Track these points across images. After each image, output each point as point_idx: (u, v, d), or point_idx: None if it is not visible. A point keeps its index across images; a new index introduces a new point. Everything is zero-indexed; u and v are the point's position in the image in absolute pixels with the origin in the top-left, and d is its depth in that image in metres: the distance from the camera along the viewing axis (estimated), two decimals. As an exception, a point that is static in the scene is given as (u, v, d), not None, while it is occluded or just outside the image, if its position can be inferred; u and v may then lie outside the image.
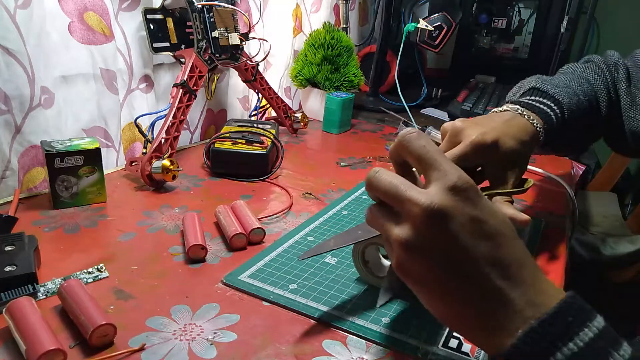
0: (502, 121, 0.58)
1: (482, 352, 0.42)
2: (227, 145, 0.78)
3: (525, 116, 0.59)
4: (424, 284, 0.33)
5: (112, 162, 0.80)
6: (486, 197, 0.41)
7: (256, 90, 0.97)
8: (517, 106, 0.61)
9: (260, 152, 0.78)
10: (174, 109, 0.75)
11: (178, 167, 0.72)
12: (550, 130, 0.60)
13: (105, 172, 0.69)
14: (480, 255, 0.31)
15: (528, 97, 0.64)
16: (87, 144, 0.64)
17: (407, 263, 0.33)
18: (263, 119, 1.04)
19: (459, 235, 0.31)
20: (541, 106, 0.62)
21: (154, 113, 0.79)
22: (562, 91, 0.64)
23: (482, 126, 0.55)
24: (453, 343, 0.43)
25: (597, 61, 0.72)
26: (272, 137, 0.82)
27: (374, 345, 0.43)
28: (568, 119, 0.62)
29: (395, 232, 0.33)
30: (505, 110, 0.61)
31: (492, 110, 0.64)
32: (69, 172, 0.63)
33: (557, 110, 0.62)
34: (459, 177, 0.32)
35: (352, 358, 0.41)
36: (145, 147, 0.77)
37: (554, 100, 0.63)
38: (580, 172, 1.01)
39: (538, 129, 0.59)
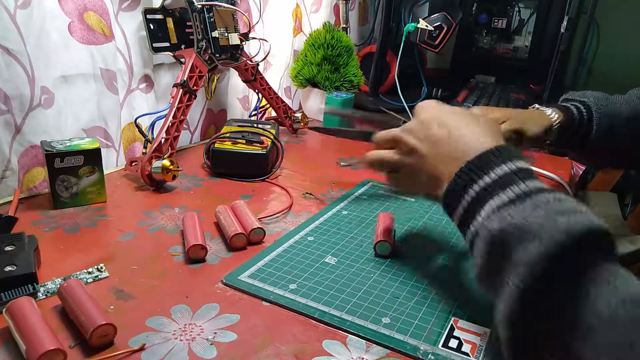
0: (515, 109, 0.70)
1: (482, 352, 0.42)
2: (227, 145, 0.78)
3: (542, 109, 0.69)
4: (408, 179, 0.52)
5: (112, 162, 0.80)
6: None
7: (256, 90, 0.97)
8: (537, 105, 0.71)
9: (260, 152, 0.78)
10: (174, 109, 0.75)
11: (178, 167, 0.72)
12: (572, 123, 0.66)
13: (105, 172, 0.69)
14: (426, 150, 0.47)
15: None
16: (87, 144, 0.64)
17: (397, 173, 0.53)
18: (263, 119, 1.04)
19: (418, 137, 0.48)
20: (561, 103, 0.69)
21: (154, 113, 0.79)
22: (590, 95, 0.68)
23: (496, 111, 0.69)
24: (453, 343, 0.43)
25: None
26: (272, 137, 0.82)
27: (374, 345, 0.43)
28: (601, 120, 0.66)
29: (387, 157, 0.52)
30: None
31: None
32: (69, 172, 0.63)
33: (581, 107, 0.68)
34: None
35: (352, 358, 0.41)
36: (145, 147, 0.77)
37: (578, 101, 0.69)
38: (580, 172, 1.01)
39: (551, 116, 0.66)
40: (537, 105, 0.70)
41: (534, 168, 0.43)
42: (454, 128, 0.46)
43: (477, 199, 0.40)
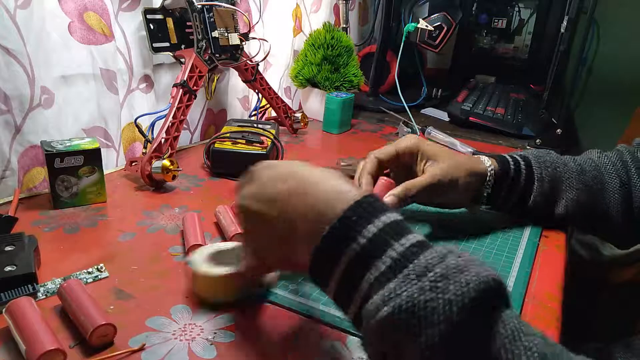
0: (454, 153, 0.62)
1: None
2: (227, 145, 0.78)
3: (479, 157, 0.63)
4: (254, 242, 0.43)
5: (112, 162, 0.80)
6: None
7: (256, 90, 0.97)
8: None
9: (260, 152, 0.78)
10: (174, 109, 0.75)
11: (178, 167, 0.72)
12: (508, 172, 0.61)
13: (105, 172, 0.69)
14: (266, 209, 0.39)
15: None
16: (87, 144, 0.64)
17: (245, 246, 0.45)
18: (263, 119, 1.04)
19: (247, 207, 0.41)
20: (503, 155, 0.64)
21: (154, 113, 0.79)
22: (531, 151, 0.65)
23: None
24: (453, 343, 0.43)
25: (619, 147, 0.67)
26: (272, 137, 0.82)
27: (374, 345, 0.43)
28: (541, 169, 0.62)
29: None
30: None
31: None
32: (69, 172, 0.63)
33: (519, 158, 0.63)
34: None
35: (352, 358, 0.41)
36: (145, 147, 0.77)
37: (517, 154, 0.65)
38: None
39: (486, 163, 0.61)
40: (473, 151, 0.65)
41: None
42: (303, 182, 0.39)
43: (349, 272, 0.33)
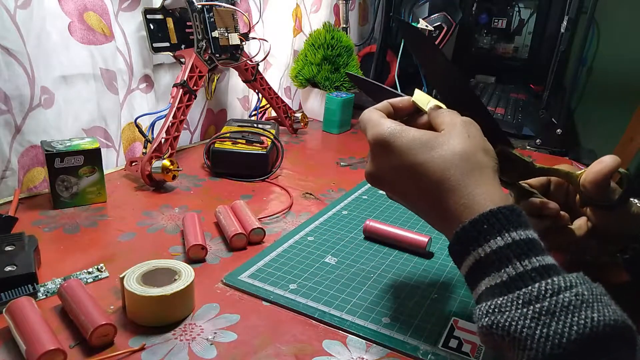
0: None
1: (482, 352, 0.42)
2: (227, 145, 0.78)
3: None
4: (394, 196, 0.44)
5: (112, 162, 0.80)
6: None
7: (256, 90, 0.97)
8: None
9: (260, 152, 0.78)
10: (174, 109, 0.75)
11: (178, 167, 0.72)
12: None
13: (105, 172, 0.69)
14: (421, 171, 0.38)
15: None
16: (87, 144, 0.64)
17: (372, 181, 0.44)
18: (263, 119, 1.04)
19: (402, 156, 0.39)
20: None
21: (154, 113, 0.79)
22: None
23: None
24: (453, 343, 0.43)
25: None
26: (272, 137, 0.82)
27: (374, 345, 0.43)
28: None
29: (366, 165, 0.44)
30: None
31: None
32: (69, 172, 0.63)
33: None
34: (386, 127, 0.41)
35: (352, 358, 0.41)
36: (145, 147, 0.77)
37: None
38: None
39: None
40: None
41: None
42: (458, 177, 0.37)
43: (473, 270, 0.35)
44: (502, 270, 0.33)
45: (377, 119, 0.42)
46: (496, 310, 0.32)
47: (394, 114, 0.44)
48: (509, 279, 0.32)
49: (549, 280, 0.31)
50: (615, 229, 0.47)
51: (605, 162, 0.42)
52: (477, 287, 0.35)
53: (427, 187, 0.38)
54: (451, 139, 0.39)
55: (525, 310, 0.30)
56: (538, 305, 0.30)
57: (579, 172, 0.45)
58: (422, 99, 0.44)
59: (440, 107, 0.43)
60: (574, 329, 0.29)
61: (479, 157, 0.38)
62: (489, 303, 0.32)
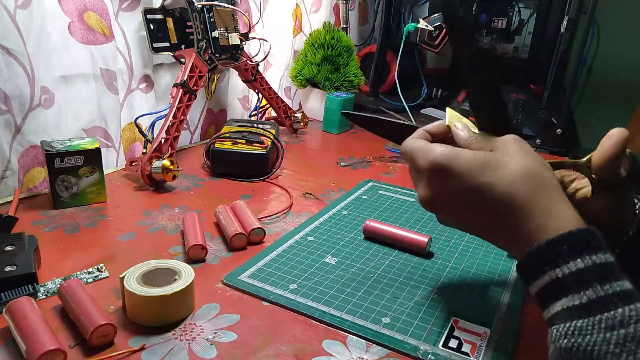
0: None
1: (482, 352, 0.42)
2: (227, 145, 0.78)
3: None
4: (450, 220, 0.43)
5: (112, 162, 0.80)
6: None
7: (256, 90, 0.97)
8: None
9: (260, 152, 0.78)
10: (174, 109, 0.75)
11: (178, 167, 0.72)
12: None
13: (105, 172, 0.69)
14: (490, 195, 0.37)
15: None
16: (87, 144, 0.64)
17: (431, 208, 0.42)
18: (263, 119, 1.04)
19: (463, 180, 0.38)
20: None
21: (154, 113, 0.79)
22: None
23: None
24: (453, 343, 0.43)
25: None
26: (272, 137, 0.82)
27: (374, 345, 0.43)
28: None
29: (418, 192, 0.42)
30: None
31: None
32: (69, 172, 0.63)
33: None
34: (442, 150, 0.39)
35: (352, 358, 0.41)
36: (145, 147, 0.77)
37: None
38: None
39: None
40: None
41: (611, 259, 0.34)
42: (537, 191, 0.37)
43: (548, 289, 0.34)
44: (582, 293, 0.32)
45: (424, 146, 0.41)
46: (576, 332, 0.31)
47: (432, 140, 0.43)
48: (590, 302, 0.32)
49: (632, 307, 0.31)
50: (615, 217, 0.47)
51: (615, 134, 0.42)
52: (551, 307, 0.34)
53: (493, 208, 0.37)
54: (510, 157, 0.38)
55: (608, 335, 0.30)
56: (623, 331, 0.29)
57: (585, 158, 0.44)
58: (453, 118, 0.44)
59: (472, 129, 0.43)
60: None
61: (543, 174, 0.38)
62: (567, 324, 0.32)
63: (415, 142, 0.42)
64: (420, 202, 0.42)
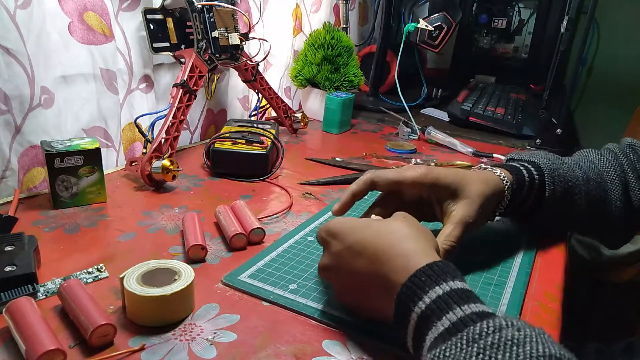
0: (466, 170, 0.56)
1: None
2: (227, 145, 0.78)
3: (491, 169, 0.57)
4: (341, 290, 0.46)
5: (112, 162, 0.80)
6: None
7: (256, 90, 0.97)
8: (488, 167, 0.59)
9: (260, 152, 0.78)
10: (174, 109, 0.75)
11: (178, 167, 0.72)
12: (522, 186, 0.56)
13: (105, 172, 0.69)
14: (358, 266, 0.42)
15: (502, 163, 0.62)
16: (87, 144, 0.64)
17: (325, 275, 0.47)
18: (263, 119, 1.04)
19: (339, 257, 0.44)
20: (512, 163, 0.59)
21: (154, 113, 0.79)
22: (540, 155, 0.60)
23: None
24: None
25: (610, 147, 0.65)
26: (272, 137, 0.82)
27: (374, 345, 0.43)
28: (555, 183, 0.57)
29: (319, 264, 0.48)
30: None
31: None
32: (69, 172, 0.63)
33: (532, 168, 0.58)
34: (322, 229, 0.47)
35: (352, 358, 0.41)
36: (145, 147, 0.77)
37: (528, 161, 0.59)
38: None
39: (502, 178, 0.55)
40: (482, 165, 0.59)
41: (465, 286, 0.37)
42: (381, 252, 0.41)
43: (417, 330, 0.36)
44: (444, 318, 0.33)
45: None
46: (441, 356, 0.31)
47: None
48: (451, 324, 0.33)
49: (490, 320, 0.32)
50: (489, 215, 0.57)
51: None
52: (423, 347, 0.34)
53: (367, 257, 0.41)
54: (389, 220, 0.44)
55: (470, 349, 0.30)
56: (482, 342, 0.30)
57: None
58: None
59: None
60: (520, 358, 0.28)
61: (416, 229, 0.43)
62: (434, 352, 0.32)
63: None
64: (319, 271, 0.47)
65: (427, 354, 0.33)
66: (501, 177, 0.56)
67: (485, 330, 0.31)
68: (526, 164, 0.59)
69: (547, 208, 0.58)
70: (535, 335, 0.30)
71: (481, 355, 0.29)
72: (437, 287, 0.35)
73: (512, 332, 0.30)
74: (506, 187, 0.55)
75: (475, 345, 0.30)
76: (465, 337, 0.31)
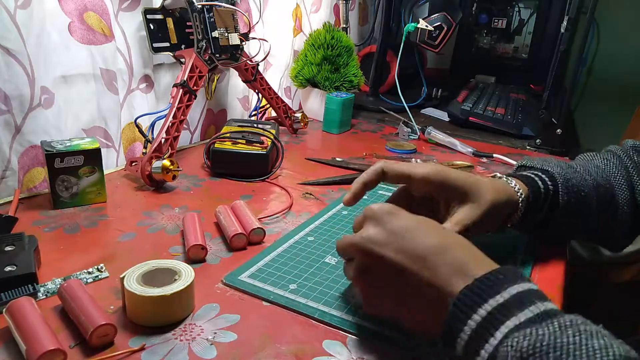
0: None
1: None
2: (227, 145, 0.78)
3: (506, 180, 0.55)
4: (384, 299, 0.42)
5: (112, 162, 0.80)
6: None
7: (256, 90, 0.97)
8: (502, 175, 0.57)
9: (260, 152, 0.78)
10: (174, 109, 0.75)
11: (178, 167, 0.72)
12: (538, 199, 0.55)
13: (105, 172, 0.69)
14: (406, 254, 0.39)
15: (514, 172, 0.61)
16: (87, 144, 0.64)
17: (367, 291, 0.43)
18: (263, 119, 1.04)
19: (387, 247, 0.40)
20: (525, 173, 0.58)
21: (154, 113, 0.79)
22: (552, 163, 0.58)
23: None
24: (453, 343, 0.43)
25: (613, 149, 0.64)
26: (272, 137, 0.82)
27: (374, 345, 0.43)
28: (568, 194, 0.55)
29: (349, 274, 0.44)
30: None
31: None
32: (69, 172, 0.63)
33: (546, 178, 0.56)
34: (371, 207, 0.43)
35: (352, 358, 0.41)
36: (145, 147, 0.77)
37: (541, 170, 0.58)
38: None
39: (517, 190, 0.54)
40: (497, 174, 0.57)
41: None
42: (440, 243, 0.39)
43: (488, 320, 0.34)
44: (527, 310, 0.33)
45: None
46: (534, 334, 0.31)
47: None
48: (537, 315, 0.33)
49: (572, 315, 0.32)
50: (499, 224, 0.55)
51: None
52: (496, 333, 0.34)
53: (423, 251, 0.39)
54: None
55: (564, 330, 0.31)
56: (576, 327, 0.31)
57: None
58: None
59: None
60: (616, 348, 0.29)
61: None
62: (524, 331, 0.32)
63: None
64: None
65: (505, 334, 0.33)
66: (516, 189, 0.54)
67: (575, 320, 0.31)
68: (540, 174, 0.57)
69: (560, 219, 0.56)
70: (594, 331, 0.31)
71: (581, 339, 0.30)
72: (516, 285, 0.35)
73: (595, 326, 0.31)
74: (520, 199, 0.53)
75: (571, 329, 0.31)
76: (557, 324, 0.31)
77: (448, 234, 0.41)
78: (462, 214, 0.50)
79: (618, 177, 0.60)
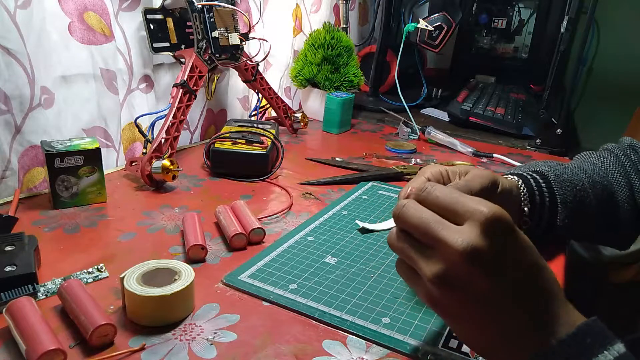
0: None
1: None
2: (227, 145, 0.78)
3: (506, 176, 0.55)
4: (456, 316, 0.35)
5: (112, 162, 0.80)
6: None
7: (256, 90, 0.97)
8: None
9: (260, 152, 0.78)
10: (174, 109, 0.75)
11: (178, 167, 0.72)
12: (533, 193, 0.55)
13: (105, 172, 0.69)
14: (513, 290, 0.32)
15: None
16: (87, 144, 0.64)
17: (439, 297, 0.34)
18: (263, 119, 1.04)
19: (494, 274, 0.32)
20: (518, 171, 0.58)
21: (154, 113, 0.79)
22: (539, 164, 0.58)
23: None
24: (453, 343, 0.43)
25: (610, 147, 0.64)
26: (272, 137, 0.82)
27: (374, 345, 0.43)
28: (562, 187, 0.55)
29: (427, 269, 0.33)
30: None
31: None
32: (69, 172, 0.63)
33: (536, 176, 0.56)
34: (489, 210, 0.32)
35: (352, 358, 0.41)
36: (145, 147, 0.77)
37: (530, 170, 0.58)
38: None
39: (515, 179, 0.54)
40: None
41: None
42: (529, 273, 0.33)
43: None
44: None
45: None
46: None
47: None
48: None
49: None
50: None
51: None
52: None
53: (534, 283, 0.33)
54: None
55: None
56: None
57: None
58: None
59: None
60: None
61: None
62: None
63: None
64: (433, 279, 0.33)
65: None
66: (514, 180, 0.54)
67: None
68: (531, 173, 0.57)
69: (561, 214, 0.55)
70: None
71: None
72: (606, 352, 0.31)
73: None
74: (521, 189, 0.53)
75: None
76: None
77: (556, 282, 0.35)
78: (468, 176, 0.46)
79: (616, 174, 0.60)
